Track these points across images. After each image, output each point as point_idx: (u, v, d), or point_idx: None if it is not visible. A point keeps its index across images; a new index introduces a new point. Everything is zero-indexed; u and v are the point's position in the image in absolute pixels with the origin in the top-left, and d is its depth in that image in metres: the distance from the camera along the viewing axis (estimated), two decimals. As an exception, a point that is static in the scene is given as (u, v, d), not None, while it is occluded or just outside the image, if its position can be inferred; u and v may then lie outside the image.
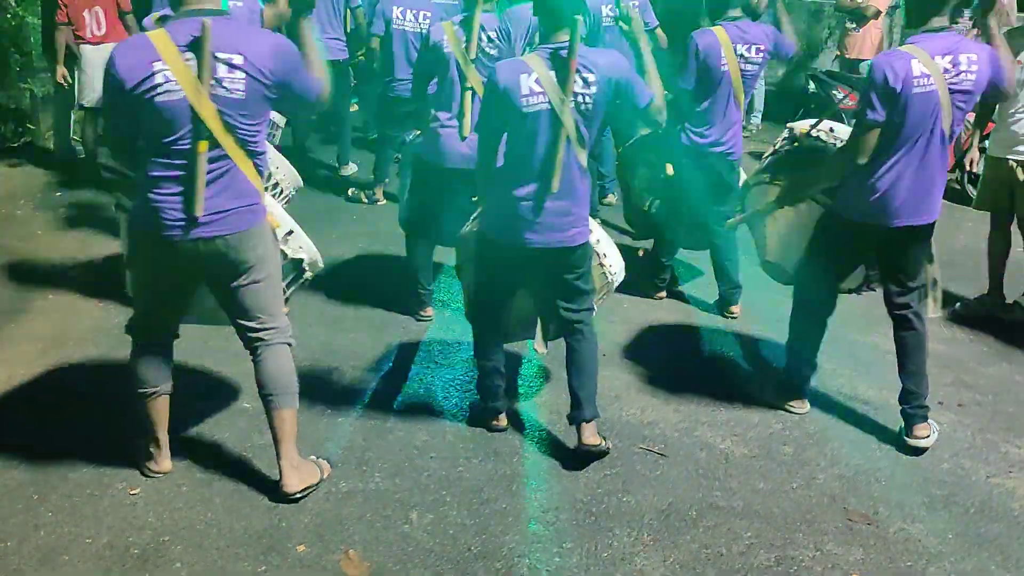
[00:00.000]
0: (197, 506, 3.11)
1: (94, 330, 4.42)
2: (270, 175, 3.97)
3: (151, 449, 3.25)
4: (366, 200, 6.75)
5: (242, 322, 3.09)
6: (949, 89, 3.31)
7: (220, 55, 2.77)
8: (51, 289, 4.96)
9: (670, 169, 4.78)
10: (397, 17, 5.97)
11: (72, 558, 2.84)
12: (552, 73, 3.14)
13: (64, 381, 3.92)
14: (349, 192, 6.90)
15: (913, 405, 3.62)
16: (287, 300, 3.44)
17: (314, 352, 4.23)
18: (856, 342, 4.55)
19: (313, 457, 3.32)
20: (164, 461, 3.27)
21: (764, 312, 4.78)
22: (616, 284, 3.73)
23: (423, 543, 2.97)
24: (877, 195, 3.40)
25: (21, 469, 3.28)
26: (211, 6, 2.85)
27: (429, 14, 6.01)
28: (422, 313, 4.70)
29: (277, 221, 3.26)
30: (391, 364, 4.21)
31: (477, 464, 3.43)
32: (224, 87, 2.79)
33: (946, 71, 3.30)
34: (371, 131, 7.85)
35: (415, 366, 4.20)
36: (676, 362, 4.34)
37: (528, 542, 3.00)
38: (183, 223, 2.85)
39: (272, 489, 3.18)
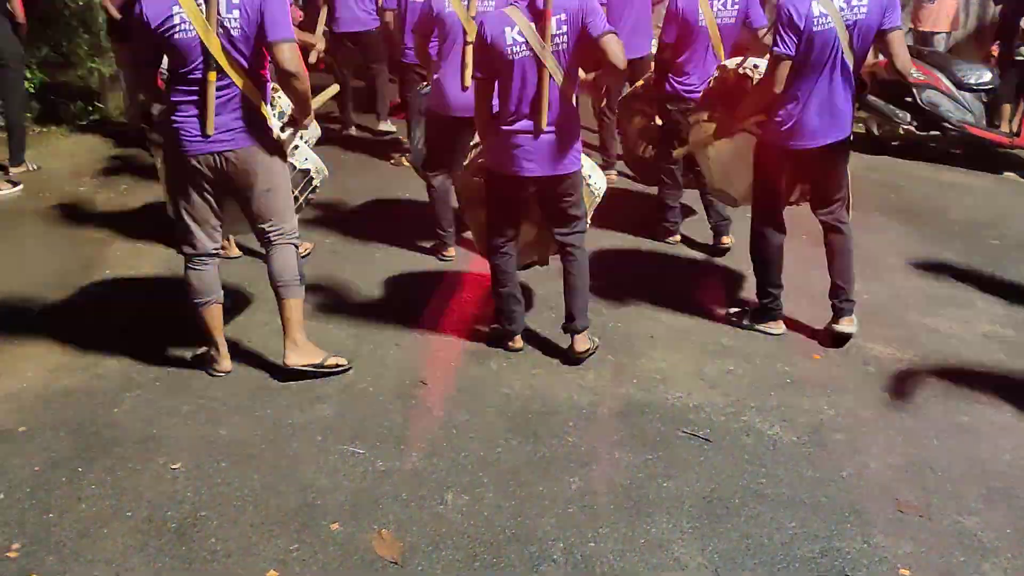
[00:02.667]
0: (235, 482, 3.13)
1: (150, 305, 4.50)
2: (276, 106, 4.38)
3: (212, 353, 3.78)
4: (394, 163, 7.10)
5: (257, 225, 3.67)
6: (845, 24, 3.70)
7: None
8: (108, 265, 5.06)
9: (658, 120, 5.32)
10: None
11: (111, 531, 2.88)
12: (532, 23, 3.53)
13: (117, 357, 3.97)
14: (391, 161, 7.21)
15: (841, 299, 4.10)
16: (301, 206, 4.22)
17: (348, 327, 4.25)
18: (916, 324, 4.37)
19: (333, 354, 3.81)
20: (224, 361, 3.79)
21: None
22: (600, 196, 4.15)
23: (457, 524, 2.94)
24: (794, 121, 3.86)
25: (67, 442, 3.35)
26: None
27: None
28: (444, 254, 5.13)
29: (283, 139, 3.75)
30: (430, 344, 4.19)
31: (516, 446, 3.38)
32: (224, 25, 3.32)
33: (841, 9, 3.69)
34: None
35: (458, 345, 4.17)
36: (726, 343, 4.22)
37: (563, 526, 2.94)
38: (199, 140, 3.43)
39: (309, 467, 3.22)
